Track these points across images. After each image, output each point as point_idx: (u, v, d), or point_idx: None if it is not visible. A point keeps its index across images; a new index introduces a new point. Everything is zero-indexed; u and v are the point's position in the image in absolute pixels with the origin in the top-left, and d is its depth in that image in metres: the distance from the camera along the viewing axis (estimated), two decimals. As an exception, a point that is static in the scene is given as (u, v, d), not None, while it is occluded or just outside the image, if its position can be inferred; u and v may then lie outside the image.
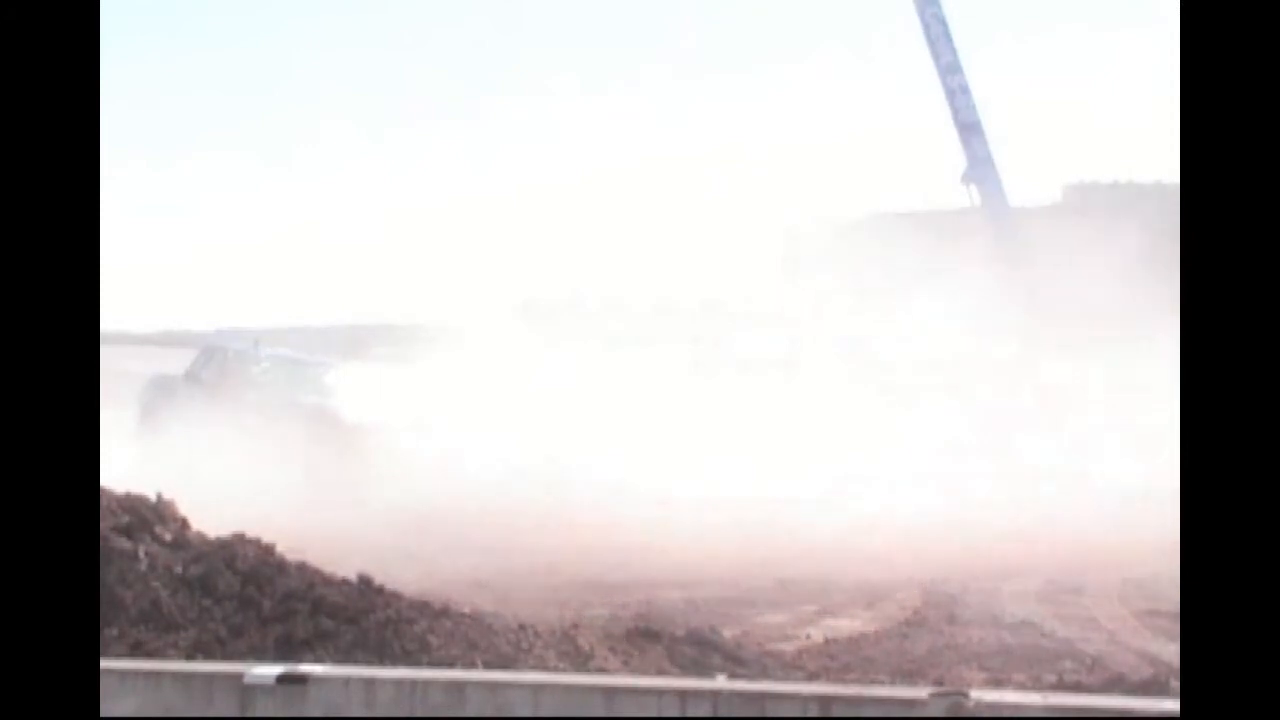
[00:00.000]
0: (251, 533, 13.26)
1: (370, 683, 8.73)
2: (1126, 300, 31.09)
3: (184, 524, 13.66)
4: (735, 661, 12.57)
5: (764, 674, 12.23)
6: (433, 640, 11.91)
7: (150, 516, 13.22)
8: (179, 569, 12.48)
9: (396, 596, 13.02)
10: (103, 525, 11.54)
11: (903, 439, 29.25)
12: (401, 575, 16.38)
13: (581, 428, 31.16)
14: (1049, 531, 23.08)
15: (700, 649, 12.68)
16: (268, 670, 8.75)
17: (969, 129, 36.33)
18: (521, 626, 12.54)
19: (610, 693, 8.18)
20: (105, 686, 7.67)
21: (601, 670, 11.56)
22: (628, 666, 11.99)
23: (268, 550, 13.13)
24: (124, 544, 12.57)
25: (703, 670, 12.04)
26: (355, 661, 10.82)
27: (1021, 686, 11.80)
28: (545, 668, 11.43)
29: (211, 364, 32.54)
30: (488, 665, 11.22)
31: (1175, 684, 6.48)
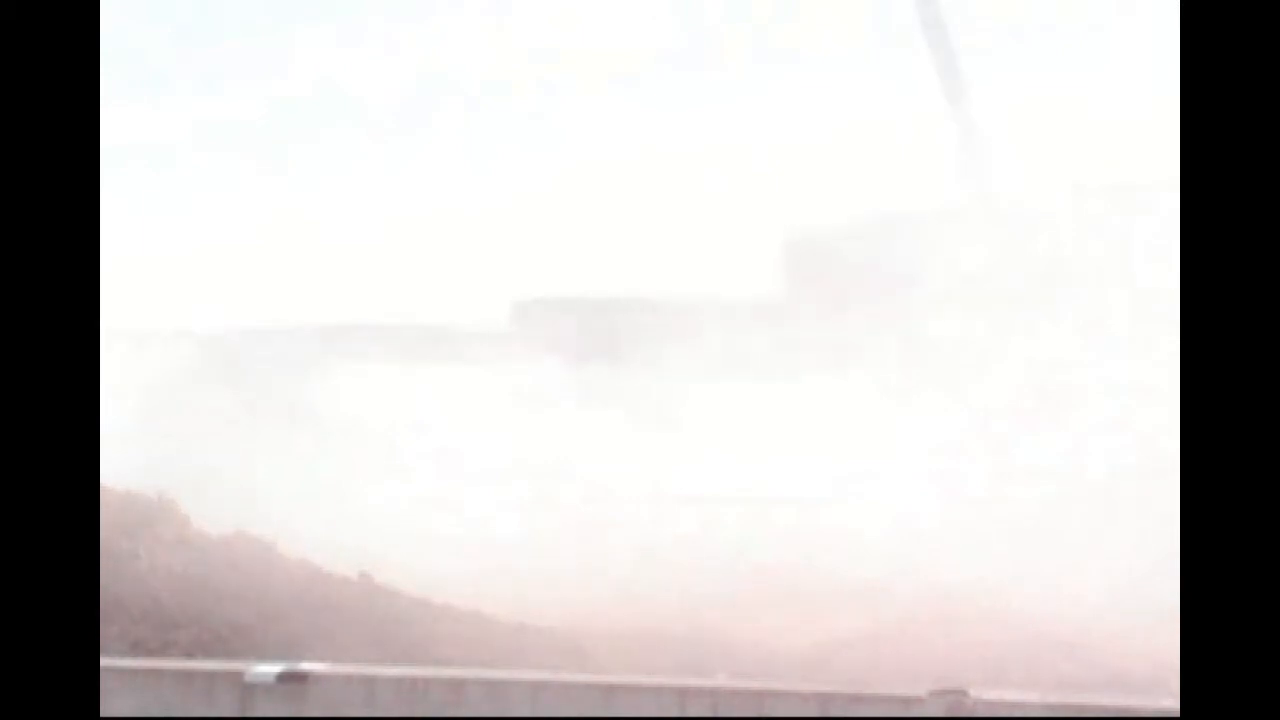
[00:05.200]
0: (252, 531, 13.28)
1: (370, 681, 8.74)
2: (1126, 300, 31.02)
3: (185, 522, 13.69)
4: (734, 660, 12.57)
5: (763, 673, 12.23)
6: (433, 639, 11.94)
7: (151, 515, 13.25)
8: (179, 567, 12.51)
9: (397, 595, 13.05)
10: (103, 524, 11.54)
11: (902, 439, 29.20)
12: (402, 574, 16.39)
13: (580, 426, 31.10)
14: (1047, 530, 23.03)
15: (699, 648, 12.69)
16: (268, 668, 8.76)
17: (967, 129, 36.33)
18: (521, 625, 12.56)
19: (609, 691, 8.18)
20: (106, 684, 7.67)
21: (601, 669, 11.58)
22: (627, 665, 12.00)
23: (268, 548, 13.16)
24: (125, 542, 12.59)
25: (702, 669, 12.04)
26: (355, 660, 10.83)
27: (1020, 685, 11.79)
28: (545, 666, 11.45)
29: None
30: (487, 664, 11.24)
31: (1174, 683, 6.48)
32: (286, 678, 8.66)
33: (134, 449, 27.73)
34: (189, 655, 11.11)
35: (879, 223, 36.30)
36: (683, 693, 7.98)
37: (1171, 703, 6.72)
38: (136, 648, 11.28)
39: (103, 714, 7.49)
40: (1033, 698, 7.81)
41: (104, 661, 7.65)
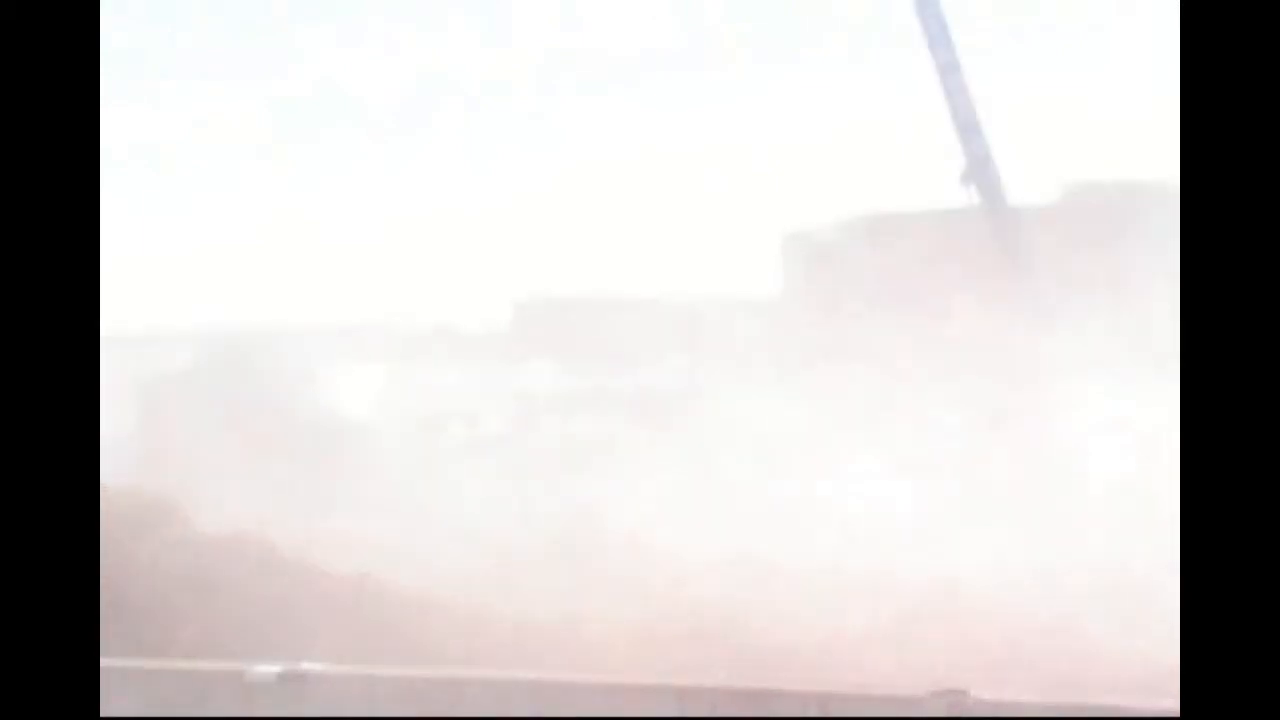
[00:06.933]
0: (253, 531, 13.28)
1: (370, 680, 8.75)
2: (1126, 299, 31.05)
3: (185, 522, 13.68)
4: (734, 660, 12.56)
5: (763, 673, 12.23)
6: (433, 639, 11.94)
7: (151, 515, 13.26)
8: (179, 567, 12.51)
9: (397, 595, 13.04)
10: (103, 523, 11.57)
11: (902, 438, 29.22)
12: (402, 574, 16.40)
13: (579, 426, 31.11)
14: (1047, 530, 23.06)
15: (699, 648, 12.69)
16: (269, 668, 8.76)
17: (968, 128, 36.26)
18: (521, 625, 12.55)
19: (609, 691, 8.19)
20: (107, 684, 7.67)
21: (601, 669, 11.57)
22: (626, 664, 11.99)
23: (268, 548, 13.16)
24: (125, 542, 12.59)
25: (702, 669, 12.04)
26: (355, 660, 10.82)
27: (1020, 685, 11.79)
28: (545, 666, 11.45)
29: None
30: (487, 664, 11.23)
31: (1174, 683, 6.48)
32: (286, 678, 8.66)
33: (134, 449, 27.78)
34: (189, 655, 11.10)
35: (878, 223, 36.29)
36: (683, 693, 7.98)
37: (1171, 703, 6.72)
38: (137, 648, 11.27)
39: (103, 714, 7.49)
40: (1033, 698, 7.81)
41: (104, 661, 7.66)
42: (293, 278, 39.53)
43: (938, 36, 36.06)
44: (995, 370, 32.53)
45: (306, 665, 8.92)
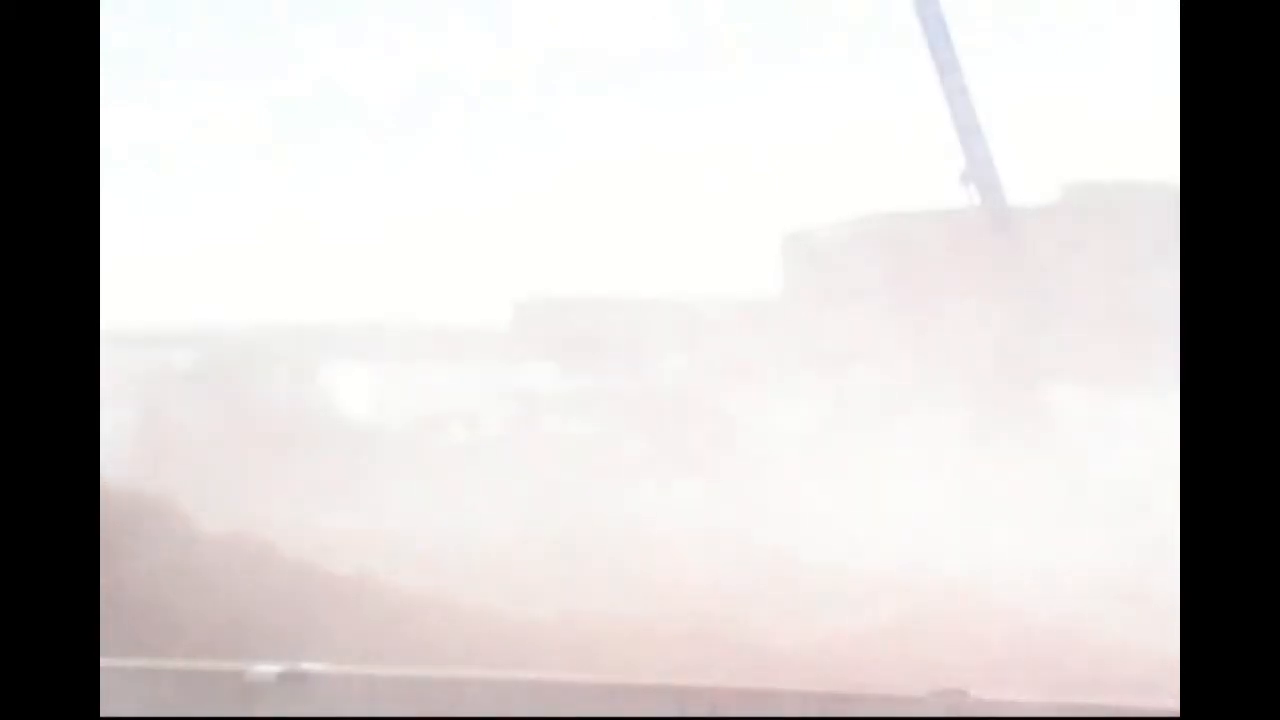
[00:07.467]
0: (252, 531, 13.29)
1: (371, 680, 8.75)
2: (1126, 298, 31.07)
3: (185, 522, 13.69)
4: (735, 659, 12.56)
5: (763, 672, 12.23)
6: (433, 638, 11.94)
7: (151, 515, 13.26)
8: (179, 567, 12.51)
9: (397, 595, 13.05)
10: (103, 524, 11.56)
11: (902, 438, 29.22)
12: (402, 574, 16.40)
13: (579, 425, 31.12)
14: (1047, 529, 23.06)
15: (699, 647, 12.69)
16: (268, 668, 8.76)
17: (967, 129, 36.27)
18: (522, 625, 12.56)
19: (609, 691, 8.19)
20: (106, 684, 7.67)
21: (601, 669, 11.57)
22: (627, 665, 11.99)
23: (268, 548, 13.17)
24: (125, 542, 12.60)
25: (702, 669, 12.04)
26: (355, 660, 10.83)
27: (1020, 685, 11.78)
28: (545, 666, 11.44)
29: None
30: (488, 664, 11.23)
31: (1174, 683, 6.49)
32: (286, 678, 8.66)
33: (134, 449, 27.78)
34: (189, 655, 11.10)
35: (878, 223, 36.30)
36: (682, 693, 7.98)
37: (1171, 703, 6.72)
38: (136, 648, 11.27)
39: (103, 714, 7.49)
40: (1033, 698, 7.81)
41: (104, 661, 7.65)
42: (293, 278, 39.57)
43: (938, 36, 36.07)
44: (995, 370, 32.54)
45: (306, 665, 8.92)
